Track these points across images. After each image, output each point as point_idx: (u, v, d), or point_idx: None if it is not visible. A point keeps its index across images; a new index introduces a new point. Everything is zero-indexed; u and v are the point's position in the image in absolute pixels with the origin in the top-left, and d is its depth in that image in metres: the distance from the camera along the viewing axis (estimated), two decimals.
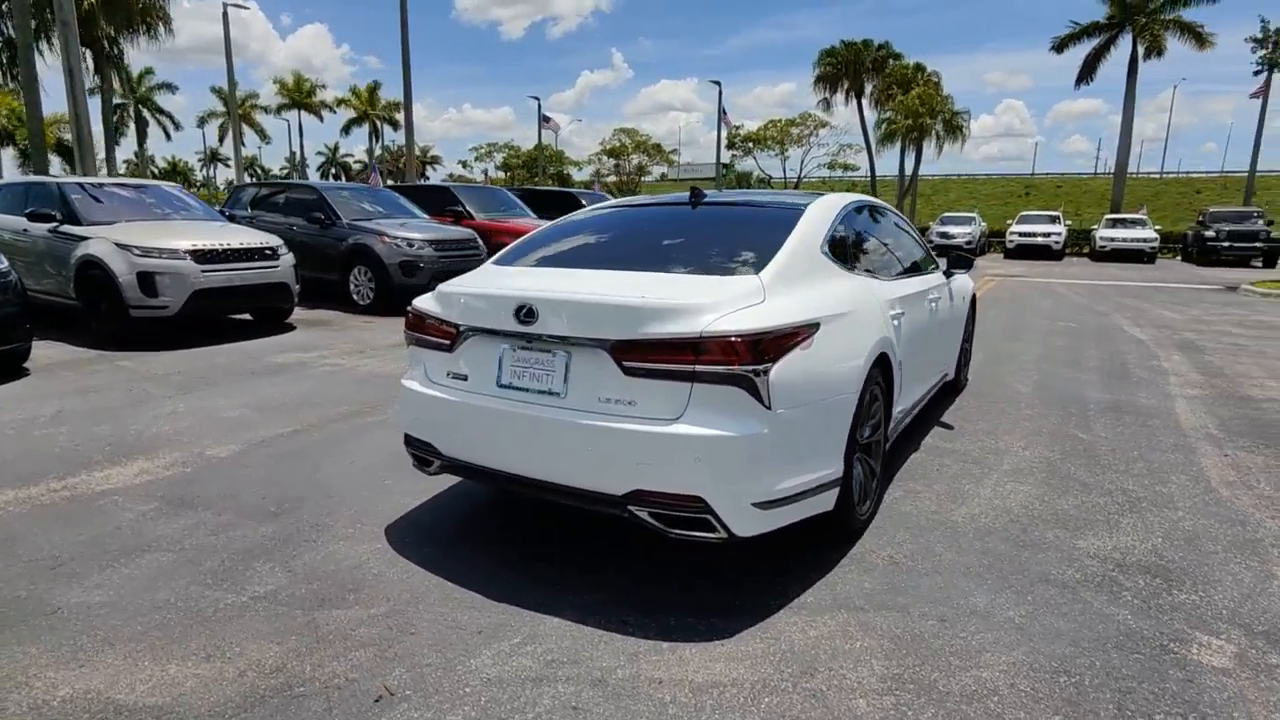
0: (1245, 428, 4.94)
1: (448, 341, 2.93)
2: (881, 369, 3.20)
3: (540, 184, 38.09)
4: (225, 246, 7.49)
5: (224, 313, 8.23)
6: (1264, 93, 27.54)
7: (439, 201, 12.27)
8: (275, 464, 4.03)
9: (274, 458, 4.13)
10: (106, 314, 7.17)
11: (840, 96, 33.20)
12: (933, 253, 5.02)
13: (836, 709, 2.08)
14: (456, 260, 9.95)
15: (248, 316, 8.71)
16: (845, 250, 3.40)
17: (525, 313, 2.66)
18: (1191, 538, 3.22)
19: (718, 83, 35.27)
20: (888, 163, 37.71)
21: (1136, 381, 6.35)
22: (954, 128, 28.39)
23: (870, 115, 32.38)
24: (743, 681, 2.20)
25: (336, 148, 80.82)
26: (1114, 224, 27.06)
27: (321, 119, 55.57)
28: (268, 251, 7.90)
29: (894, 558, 3.01)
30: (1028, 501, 3.62)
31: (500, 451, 2.77)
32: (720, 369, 2.39)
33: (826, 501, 2.79)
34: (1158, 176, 61.51)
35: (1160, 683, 2.21)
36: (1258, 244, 23.17)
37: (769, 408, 2.44)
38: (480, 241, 10.52)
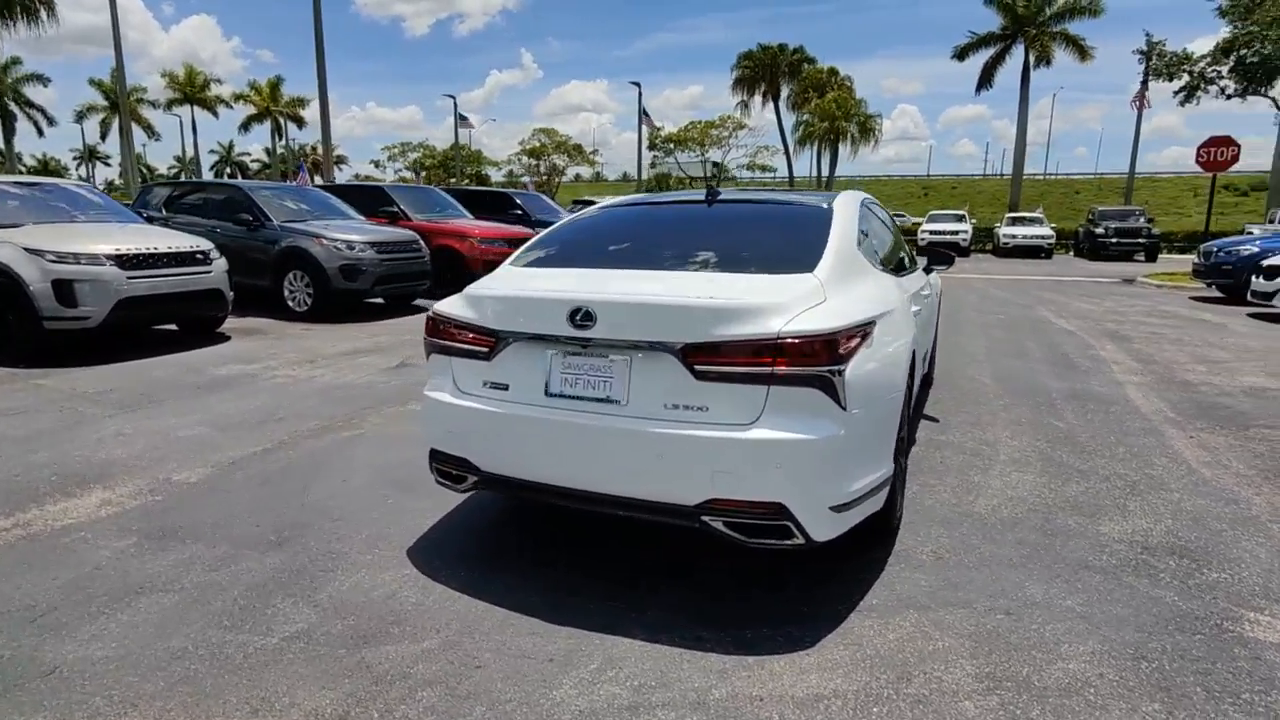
0: (1195, 410, 5.29)
1: (484, 349, 2.73)
2: (909, 364, 3.21)
3: (459, 184, 37.13)
4: (153, 250, 6.86)
5: (151, 323, 7.54)
6: (1140, 102, 30.01)
7: (371, 202, 11.72)
8: (258, 487, 3.69)
9: (254, 480, 3.78)
10: (15, 327, 6.43)
11: (758, 99, 34.08)
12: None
13: (947, 714, 2.04)
14: (400, 263, 9.54)
15: (173, 327, 8.03)
16: (869, 248, 3.40)
17: (581, 316, 2.50)
18: (1196, 518, 3.39)
19: (637, 84, 35.43)
20: (802, 164, 38.90)
21: (1084, 370, 6.72)
22: (867, 130, 29.62)
23: (788, 118, 33.35)
24: (844, 692, 2.13)
25: (231, 146, 76.49)
26: (1014, 222, 28.81)
27: (216, 115, 52.29)
28: (199, 256, 7.30)
29: (937, 553, 3.02)
30: (1037, 490, 3.72)
31: (552, 465, 2.60)
32: (800, 370, 2.32)
33: (880, 500, 2.77)
34: (1042, 178, 65.94)
35: (1232, 661, 2.28)
36: (1141, 240, 25.18)
37: (844, 408, 2.38)
38: (423, 243, 10.10)
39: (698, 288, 2.53)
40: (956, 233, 28.03)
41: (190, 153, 54.23)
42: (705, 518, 2.40)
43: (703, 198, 3.57)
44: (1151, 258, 25.22)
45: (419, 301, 10.40)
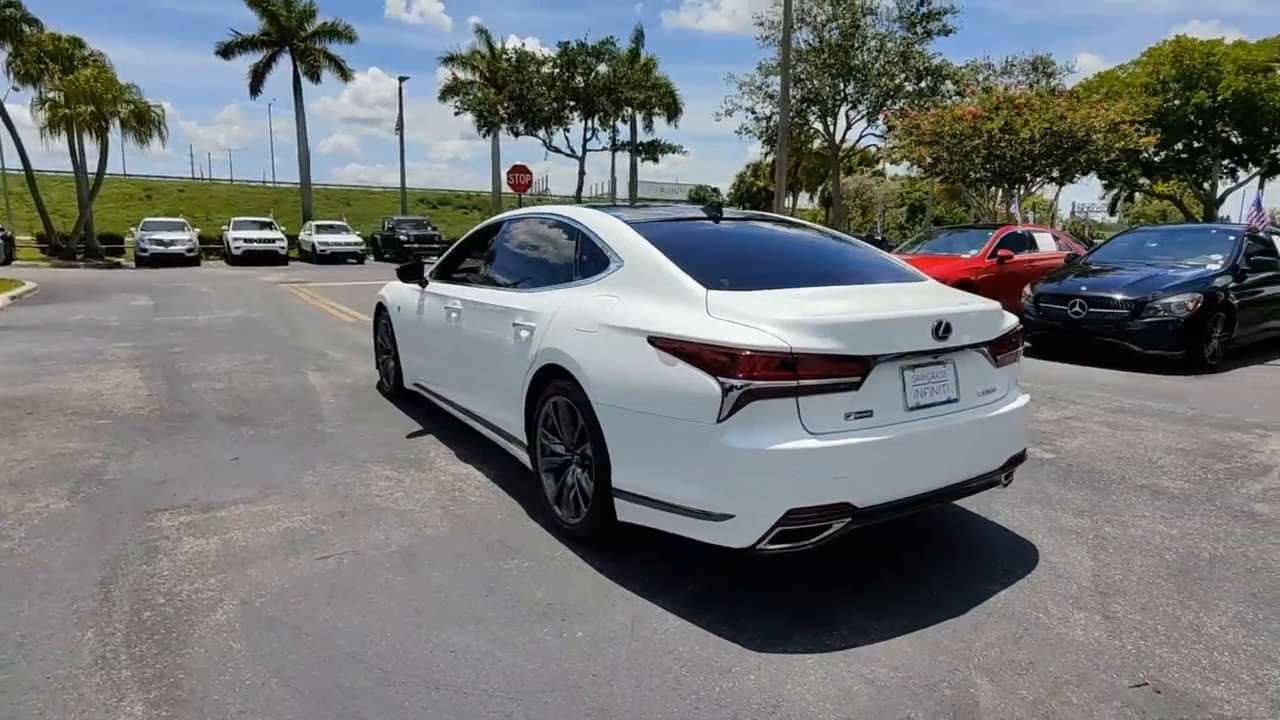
0: None
1: (856, 378, 2.51)
2: None
3: None
4: None
5: None
6: (400, 126, 34.80)
7: None
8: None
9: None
10: None
11: None
12: None
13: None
14: None
15: None
16: None
17: (943, 329, 2.69)
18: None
19: None
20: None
21: None
22: (150, 121, 24.75)
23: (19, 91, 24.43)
24: (1153, 586, 3.21)
25: None
26: (321, 229, 29.59)
27: None
28: None
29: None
30: None
31: (915, 476, 2.70)
32: (1019, 350, 3.19)
33: None
34: (259, 185, 65.60)
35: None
36: (435, 245, 29.68)
37: None
38: None
39: (947, 295, 3.06)
40: (273, 240, 27.12)
41: None
42: (1002, 476, 3.03)
43: (707, 215, 3.70)
44: None
45: None
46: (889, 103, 20.74)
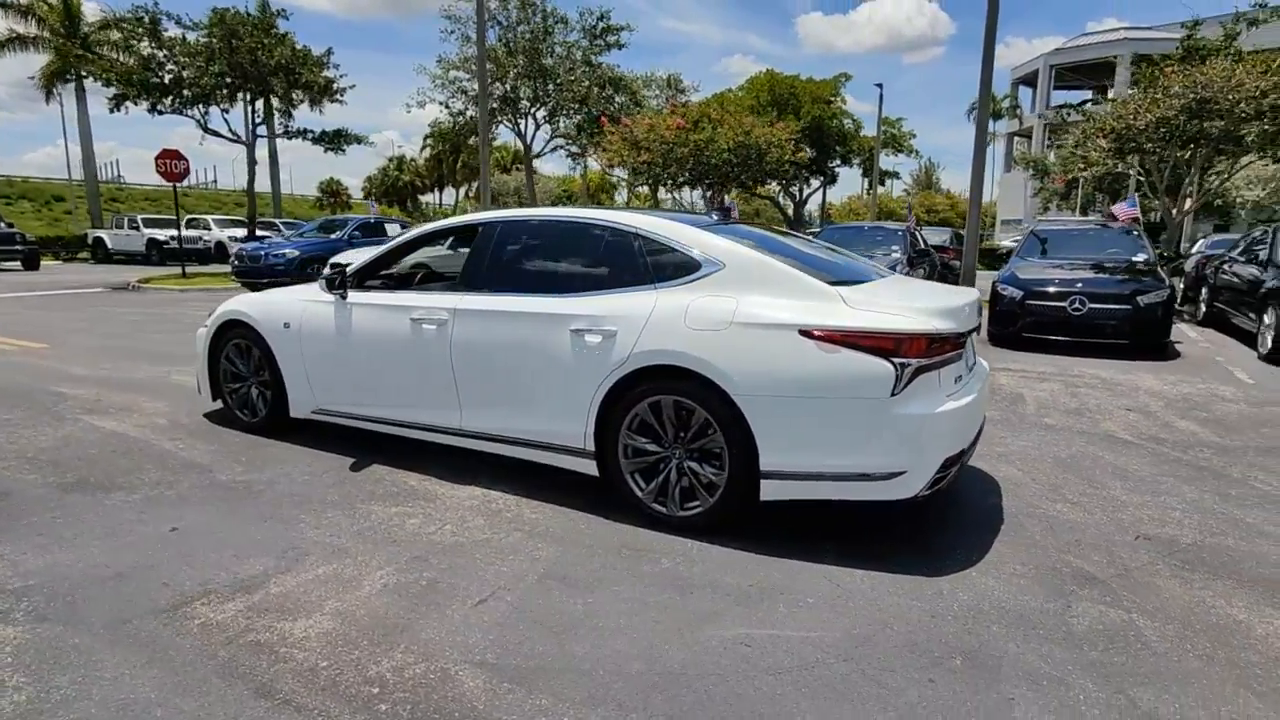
0: None
1: (961, 351, 3.20)
2: None
3: None
4: None
5: None
6: None
7: None
8: None
9: None
10: None
11: None
12: None
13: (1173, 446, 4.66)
14: None
15: None
16: None
17: (979, 310, 3.52)
18: None
19: None
20: None
21: None
22: None
23: None
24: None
25: None
26: None
27: None
28: None
29: None
30: None
31: (972, 426, 3.48)
32: None
33: None
34: None
35: None
36: (19, 247, 22.96)
37: None
38: None
39: (948, 285, 3.91)
40: None
41: None
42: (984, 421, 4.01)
43: (720, 219, 4.08)
44: (33, 265, 23.45)
45: None
46: (577, 108, 22.20)
